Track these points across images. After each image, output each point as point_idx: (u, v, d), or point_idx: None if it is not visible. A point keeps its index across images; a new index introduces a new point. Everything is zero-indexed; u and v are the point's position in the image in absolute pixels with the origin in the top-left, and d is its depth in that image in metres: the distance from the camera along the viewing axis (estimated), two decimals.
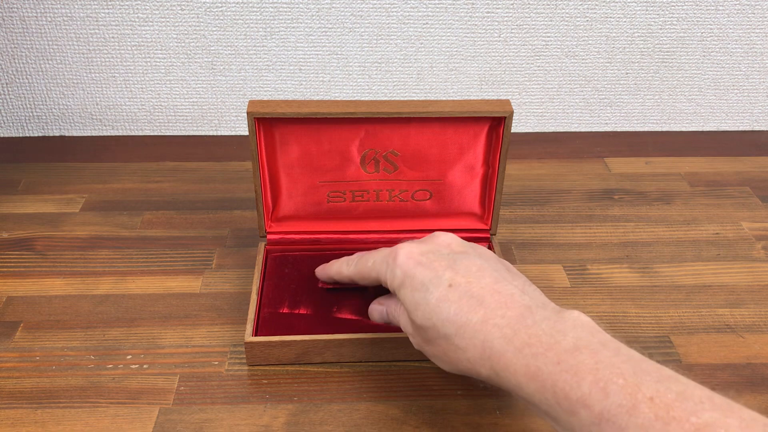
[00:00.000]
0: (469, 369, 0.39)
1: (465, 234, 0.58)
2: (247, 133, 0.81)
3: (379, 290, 0.49)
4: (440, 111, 0.53)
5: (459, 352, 0.39)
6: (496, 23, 0.75)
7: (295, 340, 0.49)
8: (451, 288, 0.40)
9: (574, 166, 0.76)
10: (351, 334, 0.49)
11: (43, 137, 0.80)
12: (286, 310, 0.52)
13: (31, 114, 0.79)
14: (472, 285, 0.39)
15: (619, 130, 0.83)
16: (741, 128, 0.84)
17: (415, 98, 0.79)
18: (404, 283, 0.42)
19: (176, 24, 0.74)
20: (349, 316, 0.52)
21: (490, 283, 0.40)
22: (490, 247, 0.59)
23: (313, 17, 0.74)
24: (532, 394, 0.35)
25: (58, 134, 0.80)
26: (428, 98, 0.79)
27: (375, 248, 0.50)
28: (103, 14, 0.73)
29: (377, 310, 0.49)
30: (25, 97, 0.77)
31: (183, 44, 0.75)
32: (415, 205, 0.58)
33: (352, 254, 0.50)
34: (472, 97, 0.80)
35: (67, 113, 0.79)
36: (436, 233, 0.45)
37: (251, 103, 0.52)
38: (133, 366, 0.50)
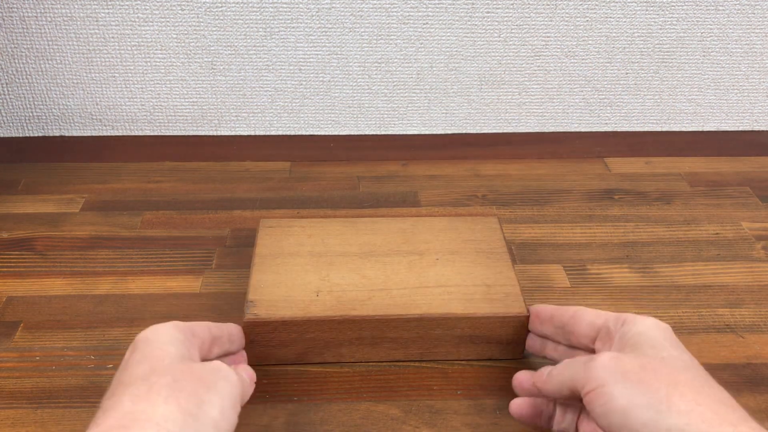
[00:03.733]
0: None
1: None
2: (246, 133, 0.81)
3: None
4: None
5: None
6: (496, 23, 0.75)
7: (293, 339, 0.49)
8: None
9: (574, 166, 0.76)
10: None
11: (43, 137, 0.80)
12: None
13: (31, 114, 0.79)
14: None
15: (619, 130, 0.83)
16: (741, 128, 0.84)
17: (415, 98, 0.79)
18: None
19: (176, 24, 0.74)
20: None
21: None
22: None
23: (313, 17, 0.74)
24: None
25: (58, 134, 0.80)
26: (428, 98, 0.79)
27: None
28: (103, 14, 0.73)
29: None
30: (25, 97, 0.77)
31: (183, 44, 0.75)
32: None
33: None
34: (472, 97, 0.80)
35: (67, 113, 0.79)
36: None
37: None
38: None
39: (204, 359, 0.43)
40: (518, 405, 0.44)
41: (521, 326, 0.49)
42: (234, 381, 0.40)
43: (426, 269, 0.52)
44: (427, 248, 0.55)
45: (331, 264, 0.53)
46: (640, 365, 0.38)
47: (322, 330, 0.48)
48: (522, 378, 0.45)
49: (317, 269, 0.52)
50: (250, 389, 0.43)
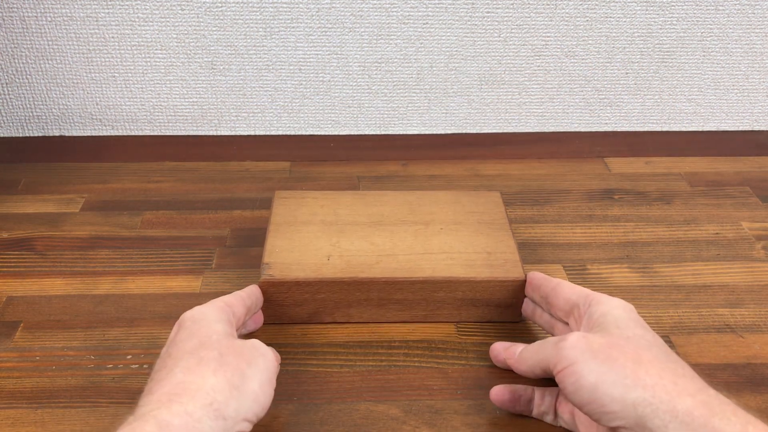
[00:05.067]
0: None
1: None
2: (246, 133, 0.81)
3: None
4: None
5: None
6: (496, 23, 0.75)
7: (306, 299, 0.52)
8: None
9: (574, 166, 0.76)
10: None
11: (43, 137, 0.80)
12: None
13: (31, 114, 0.79)
14: None
15: (619, 130, 0.83)
16: (741, 128, 0.84)
17: (415, 98, 0.79)
18: None
19: (176, 24, 0.74)
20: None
21: None
22: None
23: (313, 17, 0.74)
24: None
25: (58, 134, 0.80)
26: (428, 98, 0.80)
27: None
28: (103, 14, 0.73)
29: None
30: (25, 97, 0.77)
31: (183, 44, 0.75)
32: None
33: None
34: (472, 97, 0.80)
35: (67, 113, 0.79)
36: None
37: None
38: (133, 366, 0.50)
39: (237, 328, 0.47)
40: (497, 392, 0.46)
41: (519, 290, 0.52)
42: (270, 358, 0.43)
43: (431, 237, 0.55)
44: (432, 219, 0.58)
45: (342, 232, 0.56)
46: (607, 344, 0.40)
47: (332, 291, 0.51)
48: (499, 348, 0.49)
49: (328, 236, 0.55)
50: (277, 365, 0.45)
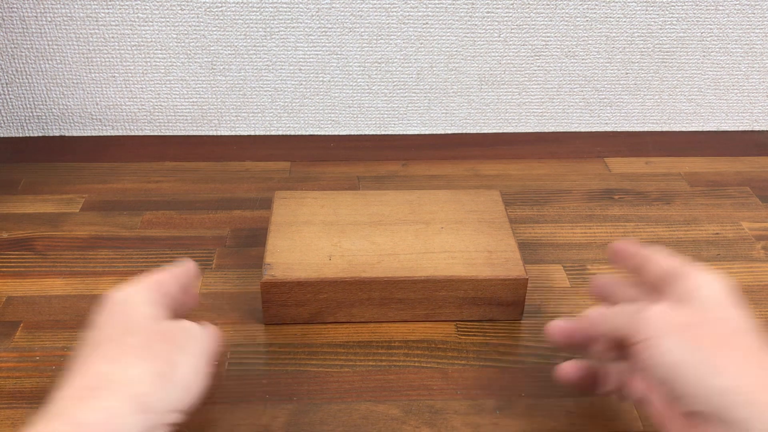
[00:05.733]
0: None
1: None
2: (246, 133, 0.81)
3: None
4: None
5: None
6: (496, 23, 0.75)
7: (308, 299, 0.52)
8: None
9: (574, 166, 0.76)
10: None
11: (43, 137, 0.80)
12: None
13: (31, 114, 0.79)
14: None
15: (619, 130, 0.83)
16: (741, 128, 0.84)
17: (415, 98, 0.79)
18: None
19: (176, 24, 0.74)
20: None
21: None
22: None
23: (313, 17, 0.74)
24: None
25: (58, 134, 0.80)
26: (428, 98, 0.80)
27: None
28: (103, 14, 0.73)
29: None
30: (25, 97, 0.77)
31: (183, 44, 0.75)
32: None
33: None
34: (472, 97, 0.80)
35: (67, 113, 0.79)
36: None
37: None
38: None
39: (174, 309, 0.42)
40: (566, 370, 0.43)
41: (520, 288, 0.52)
42: (204, 340, 0.39)
43: (432, 237, 0.56)
44: (432, 218, 0.58)
45: (343, 232, 0.56)
46: (691, 322, 0.37)
47: (334, 291, 0.52)
48: (559, 325, 0.43)
49: (329, 236, 0.55)
50: (215, 346, 0.41)
